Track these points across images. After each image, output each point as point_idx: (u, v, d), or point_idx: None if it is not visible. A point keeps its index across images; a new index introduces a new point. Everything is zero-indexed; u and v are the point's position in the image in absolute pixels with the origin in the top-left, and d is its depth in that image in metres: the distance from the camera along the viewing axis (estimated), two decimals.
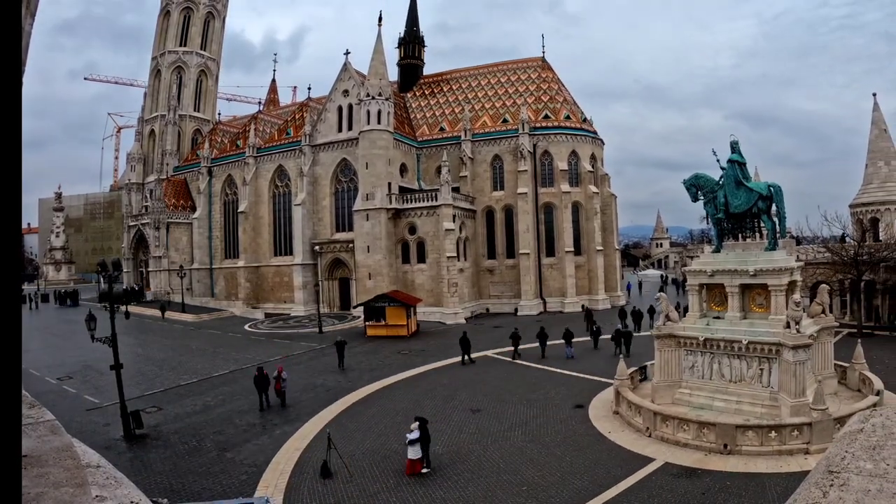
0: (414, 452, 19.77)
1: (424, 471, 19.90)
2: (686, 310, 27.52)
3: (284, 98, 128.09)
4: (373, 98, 60.42)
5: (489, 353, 40.49)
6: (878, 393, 23.38)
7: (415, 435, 19.79)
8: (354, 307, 58.95)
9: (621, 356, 30.24)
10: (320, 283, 65.20)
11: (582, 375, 32.65)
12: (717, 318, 24.88)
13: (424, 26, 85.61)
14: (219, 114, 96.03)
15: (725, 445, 20.08)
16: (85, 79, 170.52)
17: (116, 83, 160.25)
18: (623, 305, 61.66)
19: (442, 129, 71.50)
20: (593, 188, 66.73)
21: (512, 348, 39.11)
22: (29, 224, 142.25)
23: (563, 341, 38.32)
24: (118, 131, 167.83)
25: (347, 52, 67.42)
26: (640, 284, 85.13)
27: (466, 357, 37.86)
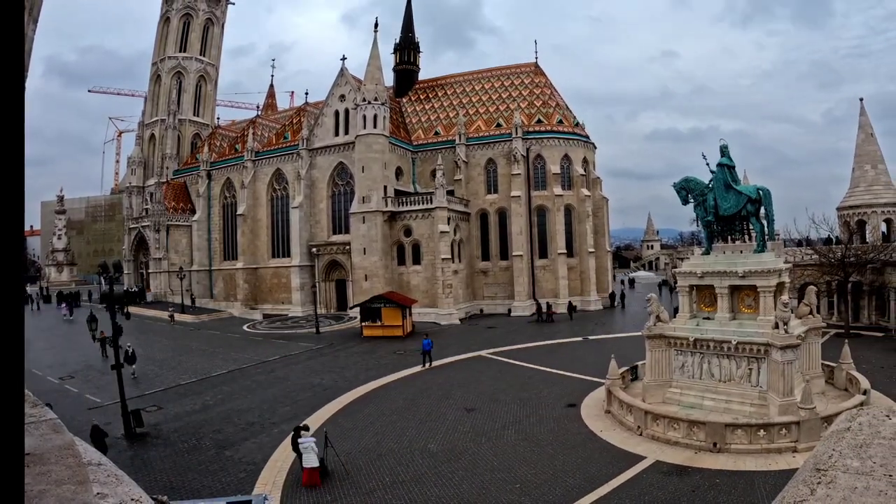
0: (309, 461, 19.00)
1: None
2: (676, 310, 27.60)
3: (282, 103, 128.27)
4: (369, 103, 60.49)
5: (483, 353, 40.48)
6: (864, 392, 23.45)
7: (310, 440, 19.30)
8: (351, 308, 58.79)
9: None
10: (317, 284, 65.15)
11: (574, 375, 32.65)
12: (707, 318, 24.93)
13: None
14: (218, 118, 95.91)
15: (715, 444, 20.12)
16: (89, 91, 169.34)
17: (118, 94, 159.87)
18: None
19: (437, 134, 71.51)
20: (585, 191, 66.67)
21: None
22: (31, 226, 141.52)
23: None
24: (119, 135, 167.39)
25: (344, 58, 67.32)
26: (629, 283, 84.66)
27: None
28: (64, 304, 69.70)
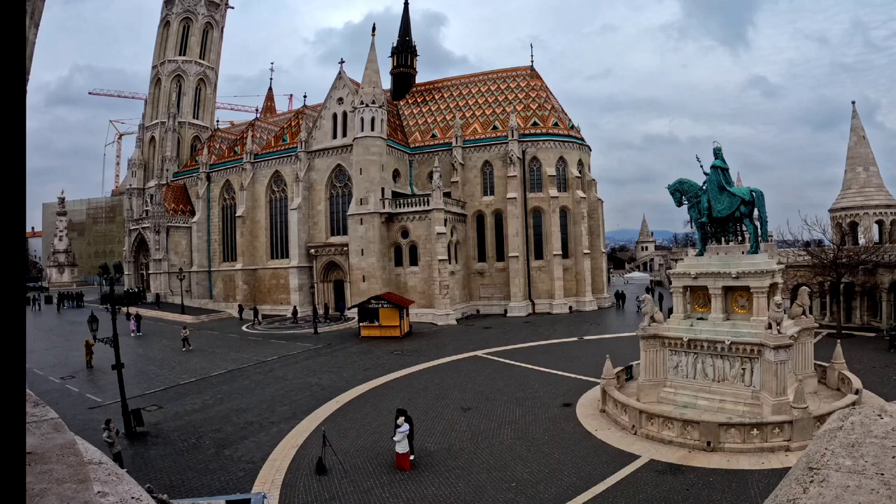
0: (403, 447, 19.83)
1: (411, 458, 20.15)
2: (670, 311, 27.63)
3: (281, 106, 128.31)
4: (366, 106, 60.49)
5: (479, 353, 40.48)
6: (857, 392, 23.50)
7: (405, 428, 19.85)
8: (349, 308, 58.89)
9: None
10: (315, 285, 65.21)
11: (569, 375, 32.69)
12: (701, 319, 24.94)
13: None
14: (217, 121, 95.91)
15: (709, 443, 20.13)
16: (90, 93, 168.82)
17: (119, 96, 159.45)
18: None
19: (434, 136, 71.54)
20: (580, 193, 66.80)
21: None
22: (33, 228, 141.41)
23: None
24: (119, 138, 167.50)
25: (342, 62, 67.60)
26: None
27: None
28: (133, 320, 56.15)
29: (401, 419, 20.22)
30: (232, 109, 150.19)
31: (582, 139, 70.30)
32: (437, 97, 77.89)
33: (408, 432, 19.94)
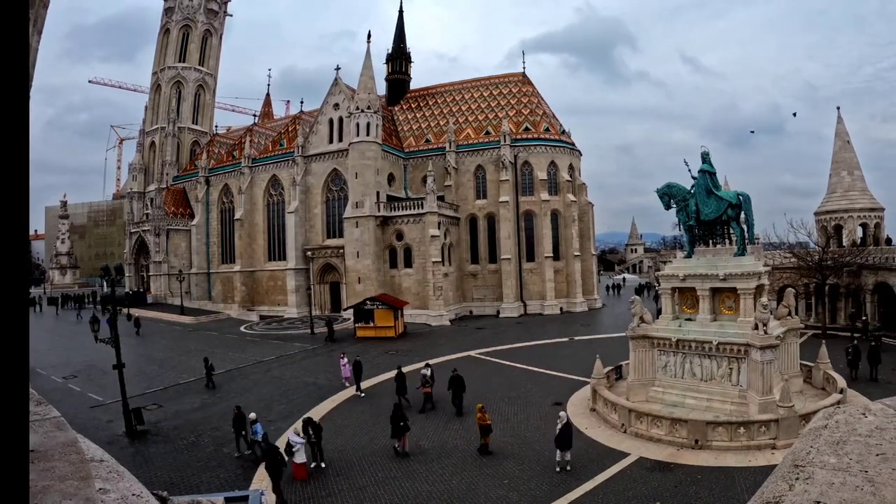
0: (300, 457, 19.15)
1: (313, 465, 19.83)
2: (659, 312, 27.69)
3: (278, 111, 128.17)
4: (362, 111, 60.51)
5: (473, 353, 40.46)
6: (841, 391, 23.60)
7: (300, 441, 19.35)
8: (345, 310, 58.84)
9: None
10: (312, 286, 65.04)
11: (561, 374, 32.70)
12: (689, 319, 24.98)
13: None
14: (216, 126, 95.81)
15: (697, 441, 20.17)
16: (89, 81, 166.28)
17: (120, 87, 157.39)
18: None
19: (427, 141, 71.57)
20: (571, 197, 66.95)
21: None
22: (36, 231, 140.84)
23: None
24: (120, 143, 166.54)
25: (338, 68, 67.48)
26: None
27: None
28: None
29: (299, 432, 19.87)
30: (234, 110, 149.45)
31: (573, 144, 70.31)
32: (431, 103, 77.92)
33: (304, 443, 19.43)
